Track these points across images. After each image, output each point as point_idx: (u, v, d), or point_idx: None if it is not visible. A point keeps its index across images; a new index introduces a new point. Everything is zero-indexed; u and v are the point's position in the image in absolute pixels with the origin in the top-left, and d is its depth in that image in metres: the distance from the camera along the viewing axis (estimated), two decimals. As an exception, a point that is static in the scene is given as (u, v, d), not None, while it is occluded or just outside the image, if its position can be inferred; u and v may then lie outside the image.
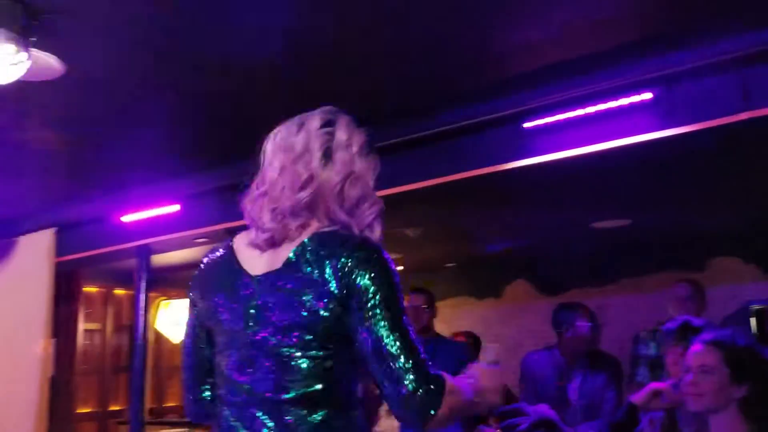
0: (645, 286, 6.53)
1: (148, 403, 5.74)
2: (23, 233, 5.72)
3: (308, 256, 1.49)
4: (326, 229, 1.54)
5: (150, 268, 5.40)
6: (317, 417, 1.44)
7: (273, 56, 3.16)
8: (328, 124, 1.67)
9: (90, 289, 7.12)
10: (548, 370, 3.83)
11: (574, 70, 3.29)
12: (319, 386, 1.45)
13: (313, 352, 1.45)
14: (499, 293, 7.73)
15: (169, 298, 7.58)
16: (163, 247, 5.38)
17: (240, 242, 1.64)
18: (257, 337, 1.49)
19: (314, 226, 1.55)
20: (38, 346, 5.42)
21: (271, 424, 1.45)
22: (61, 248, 5.54)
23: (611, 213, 5.35)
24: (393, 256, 5.19)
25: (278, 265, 1.52)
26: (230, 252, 1.63)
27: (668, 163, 3.95)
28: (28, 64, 2.66)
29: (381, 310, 1.43)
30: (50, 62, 2.93)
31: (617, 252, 6.47)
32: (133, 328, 6.02)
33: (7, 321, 5.61)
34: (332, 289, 1.44)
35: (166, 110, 3.76)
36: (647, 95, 3.17)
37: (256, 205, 1.62)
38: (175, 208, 4.93)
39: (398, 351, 1.42)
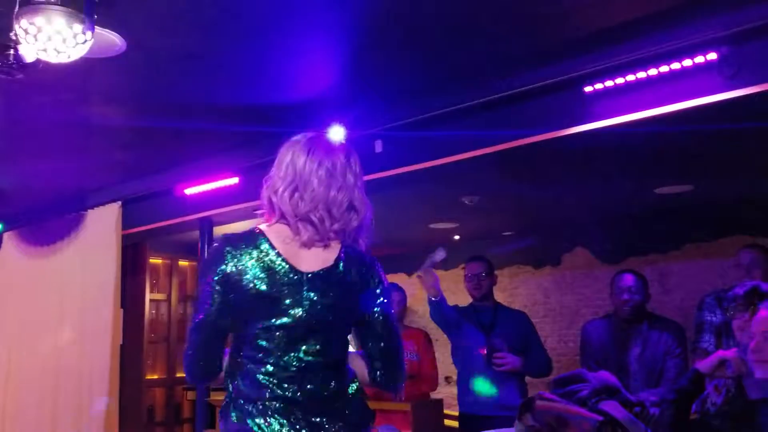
0: (709, 251, 6.37)
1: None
2: (91, 207, 5.93)
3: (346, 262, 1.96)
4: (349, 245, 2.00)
5: (213, 239, 5.53)
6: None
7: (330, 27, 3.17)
8: (350, 154, 2.05)
9: (155, 260, 7.35)
10: (607, 337, 3.81)
11: (635, 32, 3.20)
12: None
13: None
14: (557, 262, 7.65)
15: (231, 268, 7.74)
16: (224, 218, 5.50)
17: (274, 236, 1.96)
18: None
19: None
20: (109, 315, 5.63)
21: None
22: (127, 221, 5.72)
23: (673, 178, 5.21)
24: (450, 224, 5.24)
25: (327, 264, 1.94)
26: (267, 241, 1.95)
27: (731, 127, 3.82)
28: (91, 42, 2.73)
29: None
30: (112, 39, 3.00)
31: (680, 218, 6.32)
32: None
33: (78, 292, 5.85)
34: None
35: (225, 84, 3.81)
36: (712, 55, 3.07)
37: (303, 212, 1.94)
38: (234, 180, 5.03)
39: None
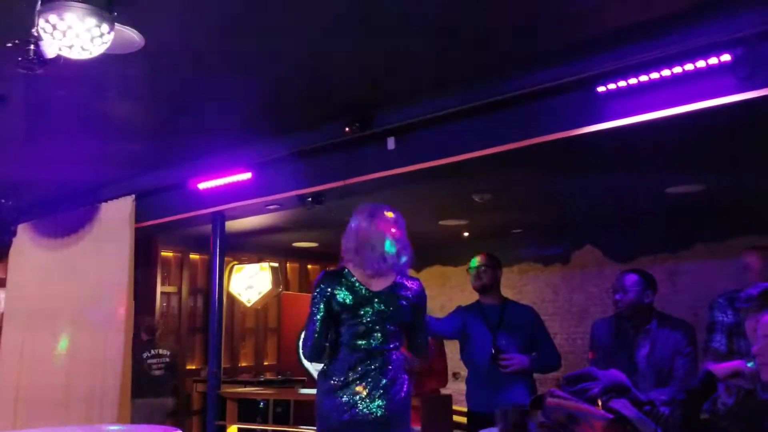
0: (719, 251, 6.37)
1: (222, 363, 5.96)
2: (105, 200, 5.98)
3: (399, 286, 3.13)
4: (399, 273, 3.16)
5: (224, 234, 5.57)
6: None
7: (339, 21, 3.19)
8: (398, 218, 3.24)
9: (167, 253, 7.40)
10: (616, 336, 3.81)
11: (649, 32, 3.22)
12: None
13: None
14: (567, 259, 7.66)
15: (241, 262, 7.81)
16: (237, 213, 5.54)
17: (353, 270, 3.11)
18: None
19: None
20: (121, 307, 5.69)
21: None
22: (140, 214, 5.77)
23: (686, 178, 5.22)
24: (460, 222, 5.26)
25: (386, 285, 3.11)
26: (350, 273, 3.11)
27: (745, 127, 3.82)
28: (110, 38, 2.76)
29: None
30: (131, 36, 3.03)
31: (691, 217, 6.32)
32: (208, 292, 6.25)
33: (91, 284, 5.91)
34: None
35: (240, 80, 3.85)
36: (726, 57, 3.07)
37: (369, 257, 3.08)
38: (247, 176, 5.06)
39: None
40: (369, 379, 2.97)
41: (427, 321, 3.36)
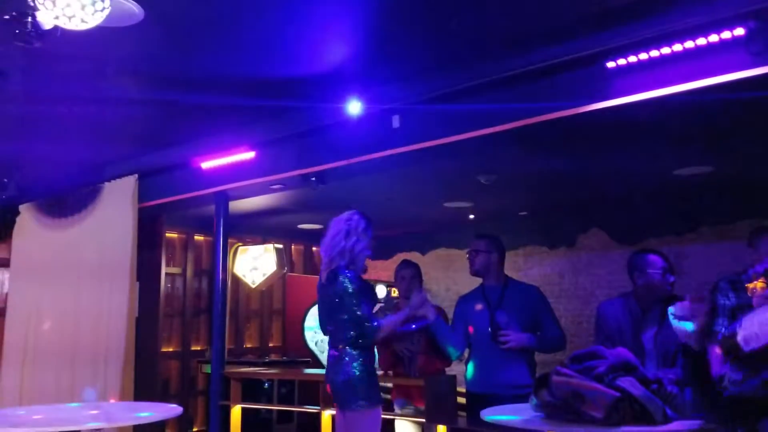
0: (725, 234, 6.32)
1: (227, 344, 5.96)
2: (108, 180, 5.95)
3: None
4: None
5: (228, 214, 5.54)
6: None
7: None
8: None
9: (171, 234, 7.38)
10: (623, 317, 3.76)
11: (660, 6, 3.15)
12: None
13: None
14: (572, 242, 7.62)
15: (246, 244, 7.79)
16: (240, 193, 5.50)
17: None
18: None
19: None
20: (125, 288, 5.67)
21: None
22: (143, 194, 5.74)
23: (694, 159, 5.15)
24: (465, 203, 5.24)
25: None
26: None
27: (757, 105, 3.75)
28: (109, 10, 2.71)
29: None
30: (130, 8, 2.98)
31: (697, 200, 6.27)
32: (212, 272, 6.23)
33: (95, 265, 5.89)
34: None
35: (243, 55, 3.79)
36: (739, 31, 3.00)
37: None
38: (250, 155, 5.02)
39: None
40: None
41: (439, 333, 4.01)
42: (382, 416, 3.59)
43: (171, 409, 3.46)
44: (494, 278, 4.13)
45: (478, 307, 4.06)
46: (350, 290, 3.53)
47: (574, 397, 2.38)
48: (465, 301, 4.21)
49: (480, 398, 3.86)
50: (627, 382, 2.39)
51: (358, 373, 3.51)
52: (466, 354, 4.32)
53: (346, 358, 3.55)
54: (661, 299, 3.70)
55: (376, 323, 3.56)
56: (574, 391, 2.39)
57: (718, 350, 3.62)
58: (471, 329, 4.11)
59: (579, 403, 2.37)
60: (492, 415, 2.81)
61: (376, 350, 3.85)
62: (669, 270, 3.69)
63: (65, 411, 3.55)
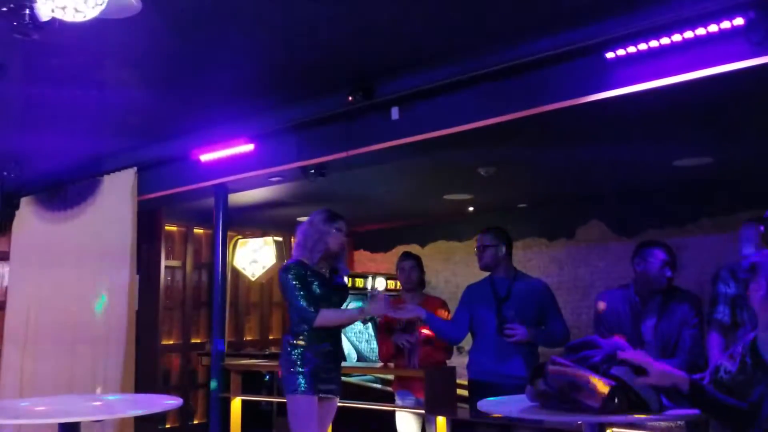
0: (726, 225, 6.31)
1: (227, 337, 5.97)
2: (107, 172, 5.94)
3: None
4: None
5: (227, 206, 5.54)
6: None
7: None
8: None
9: (171, 227, 7.38)
10: (623, 308, 3.78)
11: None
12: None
13: None
14: (571, 234, 7.61)
15: (245, 236, 7.79)
16: (240, 185, 5.50)
17: None
18: None
19: None
20: (124, 281, 5.68)
21: None
22: (142, 187, 5.74)
23: (694, 150, 5.14)
24: (465, 196, 5.21)
25: None
26: None
27: (757, 95, 3.74)
28: (107, 1, 2.70)
29: None
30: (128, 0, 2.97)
31: (698, 191, 6.26)
32: (212, 266, 6.23)
33: (95, 257, 5.89)
34: None
35: (241, 47, 3.78)
36: (738, 20, 2.99)
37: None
38: (249, 147, 5.02)
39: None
40: None
41: (434, 328, 4.11)
42: (384, 408, 3.62)
43: (172, 401, 3.47)
44: (503, 270, 4.15)
45: (487, 301, 4.09)
46: (290, 282, 3.65)
47: (569, 386, 2.38)
48: (473, 290, 4.23)
49: (481, 386, 3.91)
50: (622, 371, 2.40)
51: (295, 359, 3.63)
52: (467, 348, 4.35)
53: (288, 347, 3.68)
54: (660, 291, 3.71)
55: (312, 309, 3.62)
56: (569, 381, 2.39)
57: (716, 338, 3.64)
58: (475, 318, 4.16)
59: (575, 393, 2.38)
60: (489, 405, 2.82)
61: (336, 342, 3.83)
62: (669, 264, 3.69)
63: (66, 403, 3.55)
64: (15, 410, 3.35)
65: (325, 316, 3.64)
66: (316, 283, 3.70)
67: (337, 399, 3.80)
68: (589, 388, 2.34)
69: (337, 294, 3.83)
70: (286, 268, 3.75)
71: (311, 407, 3.59)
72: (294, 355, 3.65)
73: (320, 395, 3.64)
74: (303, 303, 3.64)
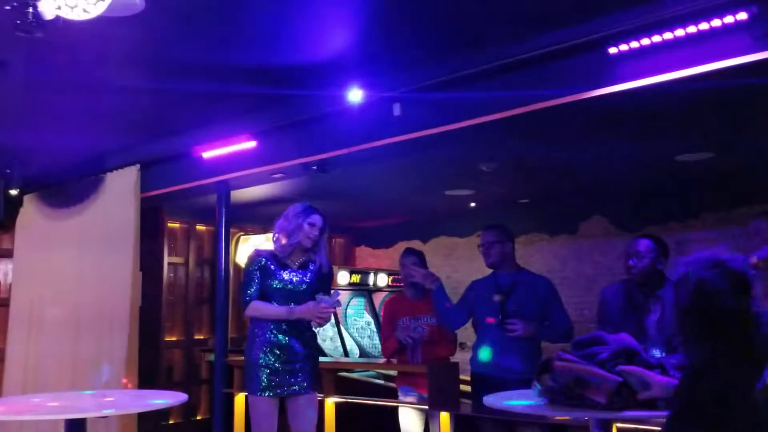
0: (728, 220, 6.32)
1: (230, 333, 5.97)
2: (110, 170, 5.95)
3: None
4: None
5: (229, 203, 5.54)
6: None
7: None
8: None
9: (173, 224, 7.40)
10: (625, 302, 3.79)
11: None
12: None
13: None
14: (574, 230, 7.62)
15: (248, 233, 7.79)
16: (242, 182, 5.50)
17: None
18: None
19: None
20: (127, 277, 5.69)
21: None
22: (145, 184, 5.74)
23: (695, 145, 5.14)
24: (466, 191, 5.19)
25: None
26: None
27: (759, 90, 3.74)
28: (109, 0, 2.71)
29: None
30: (132, -3, 2.97)
31: (699, 186, 6.26)
32: (214, 262, 6.24)
33: (98, 254, 5.90)
34: None
35: (243, 44, 3.78)
36: (741, 15, 2.99)
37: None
38: (252, 144, 5.02)
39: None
40: None
41: (438, 303, 4.17)
42: (387, 403, 3.63)
43: (177, 396, 3.48)
44: (508, 267, 4.17)
45: (496, 298, 4.09)
46: (244, 270, 3.82)
47: (576, 382, 2.39)
48: (477, 286, 4.25)
49: (485, 380, 3.95)
50: (629, 368, 2.40)
51: (244, 359, 3.78)
52: (470, 343, 4.37)
53: (246, 342, 3.84)
54: (660, 285, 3.72)
55: (246, 299, 3.71)
56: (576, 377, 2.40)
57: None
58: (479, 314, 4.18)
59: (582, 389, 2.39)
60: (495, 401, 2.83)
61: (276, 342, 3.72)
62: (662, 253, 3.71)
63: (74, 398, 3.56)
64: (24, 405, 3.36)
65: (254, 308, 3.71)
66: (278, 276, 3.71)
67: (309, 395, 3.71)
68: (595, 384, 2.35)
69: (299, 289, 3.75)
70: (249, 256, 3.85)
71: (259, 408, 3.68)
72: (247, 353, 3.76)
73: (269, 394, 3.64)
74: (243, 291, 3.73)
